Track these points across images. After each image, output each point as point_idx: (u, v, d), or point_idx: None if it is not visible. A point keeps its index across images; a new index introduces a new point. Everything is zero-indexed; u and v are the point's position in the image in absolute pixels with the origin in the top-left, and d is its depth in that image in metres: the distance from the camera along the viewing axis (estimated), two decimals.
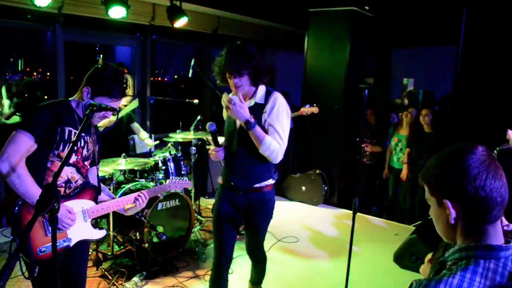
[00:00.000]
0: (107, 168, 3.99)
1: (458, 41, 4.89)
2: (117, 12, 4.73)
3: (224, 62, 2.66)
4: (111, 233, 4.13)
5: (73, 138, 2.21)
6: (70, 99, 2.32)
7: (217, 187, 3.04)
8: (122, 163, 4.13)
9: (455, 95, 5.29)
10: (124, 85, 2.26)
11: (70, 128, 2.24)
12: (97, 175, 2.53)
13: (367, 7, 5.92)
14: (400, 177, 5.72)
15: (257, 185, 2.82)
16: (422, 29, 7.55)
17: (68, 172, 2.29)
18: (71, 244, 2.29)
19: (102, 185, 2.57)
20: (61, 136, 2.20)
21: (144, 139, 4.93)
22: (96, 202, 2.42)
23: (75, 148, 2.27)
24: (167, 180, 3.00)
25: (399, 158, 5.80)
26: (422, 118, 5.44)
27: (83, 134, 2.31)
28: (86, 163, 2.40)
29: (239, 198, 2.85)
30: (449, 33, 6.64)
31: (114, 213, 4.06)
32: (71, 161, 2.28)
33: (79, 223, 2.31)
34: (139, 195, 2.49)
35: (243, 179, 2.84)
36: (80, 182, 2.36)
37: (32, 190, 2.09)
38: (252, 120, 2.64)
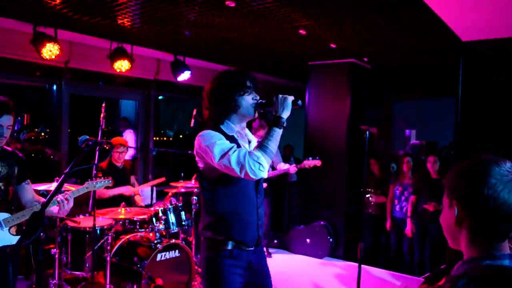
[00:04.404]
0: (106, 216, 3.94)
1: (456, 92, 4.95)
2: (122, 66, 4.89)
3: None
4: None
5: None
6: None
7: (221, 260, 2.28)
8: (122, 213, 4.08)
9: (457, 144, 5.29)
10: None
11: None
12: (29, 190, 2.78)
13: (365, 59, 6.07)
14: (405, 232, 5.60)
15: None
16: (421, 81, 7.71)
17: None
18: None
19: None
20: None
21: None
22: (11, 212, 2.61)
23: None
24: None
25: (402, 207, 5.71)
26: (430, 165, 5.44)
27: None
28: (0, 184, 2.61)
29: (255, 257, 2.40)
30: (448, 84, 6.75)
31: (111, 265, 3.97)
32: None
33: None
34: (59, 198, 2.61)
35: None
36: None
37: None
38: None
